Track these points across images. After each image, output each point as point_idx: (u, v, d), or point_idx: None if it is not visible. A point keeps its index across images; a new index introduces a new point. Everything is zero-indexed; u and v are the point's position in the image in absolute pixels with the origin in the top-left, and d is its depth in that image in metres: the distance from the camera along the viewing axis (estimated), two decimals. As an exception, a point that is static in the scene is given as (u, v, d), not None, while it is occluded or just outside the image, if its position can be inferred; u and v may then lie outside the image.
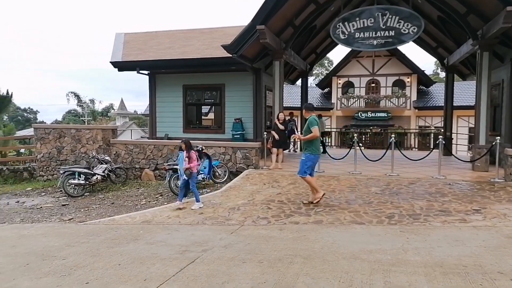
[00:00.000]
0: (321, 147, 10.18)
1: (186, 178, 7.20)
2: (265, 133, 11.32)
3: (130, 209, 8.04)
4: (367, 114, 27.22)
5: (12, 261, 4.70)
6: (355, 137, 9.90)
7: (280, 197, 7.68)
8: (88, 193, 9.97)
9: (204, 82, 13.80)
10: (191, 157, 7.26)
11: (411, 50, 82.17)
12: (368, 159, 10.03)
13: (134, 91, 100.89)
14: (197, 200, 7.18)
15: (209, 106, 14.66)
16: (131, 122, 46.27)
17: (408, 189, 8.06)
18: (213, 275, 3.86)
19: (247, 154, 10.50)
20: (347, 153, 10.89)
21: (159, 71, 13.84)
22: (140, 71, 13.57)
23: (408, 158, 10.06)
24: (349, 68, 27.85)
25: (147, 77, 14.04)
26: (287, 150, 13.44)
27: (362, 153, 10.21)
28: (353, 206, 6.80)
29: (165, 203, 8.12)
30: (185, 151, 7.30)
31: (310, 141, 6.93)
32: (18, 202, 9.38)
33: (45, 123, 58.49)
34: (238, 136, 12.84)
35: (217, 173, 9.73)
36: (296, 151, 15.95)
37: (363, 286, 3.47)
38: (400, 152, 10.34)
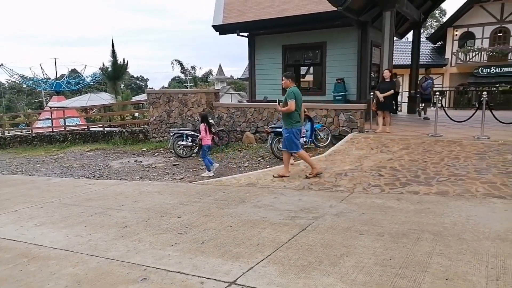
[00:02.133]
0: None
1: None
2: (371, 93, 10.39)
3: (234, 171, 8.17)
4: (491, 69, 23.37)
5: (136, 215, 5.07)
6: (484, 96, 8.40)
7: (392, 163, 6.96)
8: (195, 154, 10.48)
9: (304, 41, 13.13)
10: (201, 129, 7.99)
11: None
12: (500, 121, 8.49)
13: (230, 57, 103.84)
14: (208, 170, 7.86)
15: (308, 67, 14.05)
16: (228, 87, 47.86)
17: (557, 158, 6.59)
18: (329, 246, 3.56)
19: (351, 116, 9.79)
20: (472, 115, 9.38)
21: (258, 32, 13.57)
22: (240, 34, 13.48)
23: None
24: (470, 16, 23.93)
25: (246, 41, 13.91)
26: (394, 112, 12.24)
27: (493, 114, 8.67)
28: (486, 176, 5.79)
29: (268, 166, 8.05)
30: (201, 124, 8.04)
31: (288, 114, 6.43)
32: (136, 161, 10.32)
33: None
34: (340, 97, 12.08)
35: (319, 137, 9.30)
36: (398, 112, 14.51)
37: (521, 277, 2.81)
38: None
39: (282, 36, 13.37)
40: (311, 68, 13.94)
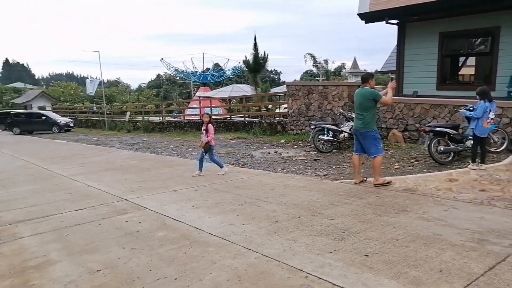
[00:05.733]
0: None
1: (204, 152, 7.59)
2: None
3: (382, 172, 7.36)
4: None
5: (285, 211, 4.87)
6: None
7: None
8: (335, 150, 9.98)
9: (469, 26, 11.15)
10: (209, 130, 7.38)
11: None
12: None
13: (363, 51, 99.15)
14: (221, 166, 7.63)
15: (466, 57, 11.99)
16: (356, 81, 45.56)
17: None
18: (550, 291, 2.65)
19: (536, 117, 7.84)
20: None
21: (411, 19, 12.11)
22: (389, 22, 12.27)
23: None
24: None
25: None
26: None
27: None
28: None
29: (425, 171, 7.00)
30: (204, 124, 7.45)
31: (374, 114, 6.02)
32: (276, 152, 10.37)
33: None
34: (517, 93, 9.89)
35: (491, 140, 7.71)
36: None
37: None
38: None
39: (440, 22, 11.62)
40: (470, 59, 11.85)
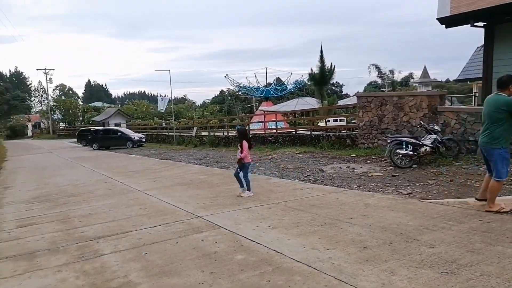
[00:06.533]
0: None
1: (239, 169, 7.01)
2: None
3: (475, 190, 6.47)
4: None
5: (372, 234, 4.35)
6: None
7: None
8: (415, 165, 9.12)
9: None
10: (244, 147, 6.86)
11: None
12: None
13: (431, 59, 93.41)
14: (248, 189, 6.97)
15: None
16: (435, 90, 42.64)
17: None
18: None
19: None
20: None
21: (502, 20, 10.89)
22: (475, 24, 11.16)
23: None
24: None
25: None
26: None
27: None
28: None
29: (534, 191, 5.99)
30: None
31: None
32: (348, 167, 9.77)
33: (349, 95, 64.04)
34: None
35: None
36: None
37: None
38: None
39: (537, 21, 10.29)
40: None
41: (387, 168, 9.30)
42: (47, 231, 5.38)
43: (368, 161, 10.53)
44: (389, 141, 9.46)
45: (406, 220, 4.88)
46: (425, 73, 48.20)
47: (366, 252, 3.84)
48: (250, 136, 18.62)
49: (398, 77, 67.85)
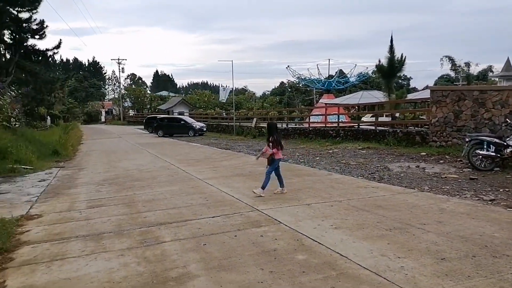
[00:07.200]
0: None
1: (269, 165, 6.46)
2: None
3: None
4: None
5: (450, 245, 3.85)
6: None
7: None
8: (497, 168, 8.15)
9: None
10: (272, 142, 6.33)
11: None
12: None
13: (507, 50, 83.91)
14: (263, 187, 6.31)
15: None
16: (519, 85, 38.27)
17: None
18: None
19: None
20: None
21: None
22: None
23: None
24: None
25: None
26: None
27: None
28: None
29: None
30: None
31: None
32: (418, 167, 9.03)
33: (417, 89, 60.11)
34: None
35: None
36: None
37: None
38: None
39: None
40: None
41: (464, 169, 8.43)
42: (113, 214, 5.60)
43: (441, 161, 9.65)
44: (467, 140, 8.56)
45: (491, 231, 4.29)
46: (508, 65, 43.37)
47: (444, 264, 3.41)
48: (310, 129, 18.16)
49: (474, 70, 62.25)
